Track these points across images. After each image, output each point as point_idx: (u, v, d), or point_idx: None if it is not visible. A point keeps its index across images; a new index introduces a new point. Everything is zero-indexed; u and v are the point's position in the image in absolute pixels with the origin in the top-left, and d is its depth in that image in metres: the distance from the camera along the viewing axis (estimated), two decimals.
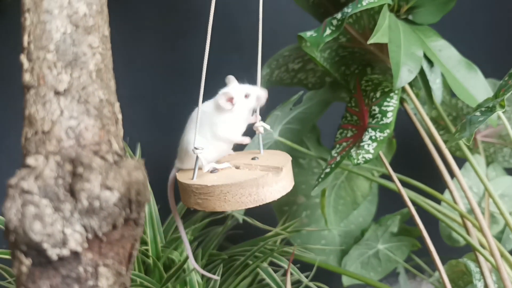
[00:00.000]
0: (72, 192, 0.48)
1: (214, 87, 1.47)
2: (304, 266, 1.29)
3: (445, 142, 1.28)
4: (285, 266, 1.24)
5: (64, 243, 0.47)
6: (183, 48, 1.48)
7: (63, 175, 0.48)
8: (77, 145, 0.49)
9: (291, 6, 1.27)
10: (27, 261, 0.46)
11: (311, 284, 1.24)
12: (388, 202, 1.44)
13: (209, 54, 1.48)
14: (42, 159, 0.49)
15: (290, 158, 0.92)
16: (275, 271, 1.24)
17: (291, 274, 1.27)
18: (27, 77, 0.51)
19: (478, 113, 0.98)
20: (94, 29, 0.53)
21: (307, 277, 1.25)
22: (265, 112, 1.31)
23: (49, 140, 0.49)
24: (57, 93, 0.50)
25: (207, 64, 1.50)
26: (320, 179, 1.13)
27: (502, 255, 1.15)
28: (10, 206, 0.47)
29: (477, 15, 1.54)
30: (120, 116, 0.53)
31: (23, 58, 0.51)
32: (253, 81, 1.37)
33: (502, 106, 0.94)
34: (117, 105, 0.54)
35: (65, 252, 0.47)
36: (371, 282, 1.28)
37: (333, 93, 1.27)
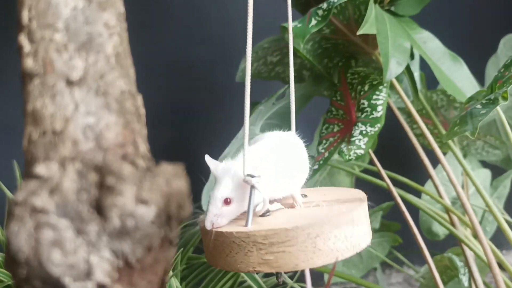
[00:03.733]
0: (99, 209, 0.35)
1: (184, 84, 1.36)
2: None
3: (432, 133, 1.21)
4: None
5: (89, 274, 0.34)
6: (149, 41, 1.35)
7: (88, 188, 0.35)
8: (97, 148, 0.37)
9: None
10: None
11: (295, 285, 1.14)
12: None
13: (176, 47, 1.37)
14: (56, 166, 0.36)
15: (358, 191, 0.68)
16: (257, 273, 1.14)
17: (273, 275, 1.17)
18: (29, 62, 0.38)
19: (479, 106, 0.91)
20: (109, 5, 0.40)
21: (290, 277, 1.16)
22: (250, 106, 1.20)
23: (63, 142, 0.36)
24: (69, 82, 0.38)
25: (176, 61, 1.39)
26: (308, 177, 1.03)
27: (491, 249, 1.08)
28: (18, 230, 0.34)
29: (446, 6, 1.48)
30: (143, 111, 0.41)
31: (22, 39, 0.38)
32: (224, 75, 1.27)
33: (505, 98, 0.87)
34: (139, 98, 0.42)
35: (90, 286, 0.34)
36: (353, 279, 1.20)
37: (315, 87, 1.17)
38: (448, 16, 1.50)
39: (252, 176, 0.57)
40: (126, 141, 0.38)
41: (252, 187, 0.57)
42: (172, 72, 1.37)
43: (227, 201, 0.56)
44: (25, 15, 0.39)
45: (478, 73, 1.38)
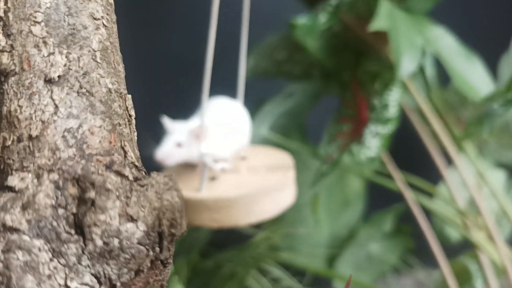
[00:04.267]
0: (79, 228, 0.30)
1: (189, 81, 1.31)
2: (292, 270, 1.15)
3: (445, 133, 1.16)
4: (275, 272, 1.10)
5: None
6: (152, 38, 1.30)
7: (65, 203, 0.30)
8: (79, 156, 0.32)
9: None
10: None
11: None
12: (375, 197, 1.31)
13: (179, 44, 1.32)
14: (30, 178, 0.31)
15: (286, 153, 0.82)
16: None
17: (282, 280, 1.12)
18: (4, 59, 0.33)
19: (496, 106, 0.85)
20: None
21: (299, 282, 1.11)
22: (254, 106, 1.16)
23: (40, 149, 0.32)
24: (48, 81, 0.33)
25: (178, 56, 1.34)
26: (316, 179, 0.98)
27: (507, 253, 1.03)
28: None
29: (459, 1, 1.42)
30: (133, 113, 0.36)
31: None
32: (228, 72, 1.21)
33: None
34: (129, 98, 0.37)
35: None
36: (362, 284, 1.15)
37: (324, 86, 1.12)
38: (462, 11, 1.44)
39: (206, 154, 0.67)
40: (112, 147, 0.33)
41: (205, 164, 0.67)
42: (174, 69, 1.33)
43: (179, 145, 0.66)
44: (1, 6, 0.34)
45: (494, 70, 1.32)
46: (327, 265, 1.24)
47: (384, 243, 1.23)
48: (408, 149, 1.26)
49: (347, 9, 1.01)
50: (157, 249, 0.32)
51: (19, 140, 0.32)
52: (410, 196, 1.04)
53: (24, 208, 0.30)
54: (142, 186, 0.32)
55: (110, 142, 0.33)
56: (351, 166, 1.14)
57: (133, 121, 0.36)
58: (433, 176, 1.15)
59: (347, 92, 1.04)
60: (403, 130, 1.12)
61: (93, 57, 0.34)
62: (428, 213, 1.11)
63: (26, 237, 0.29)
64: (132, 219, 0.31)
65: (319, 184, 1.15)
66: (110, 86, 0.35)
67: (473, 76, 1.04)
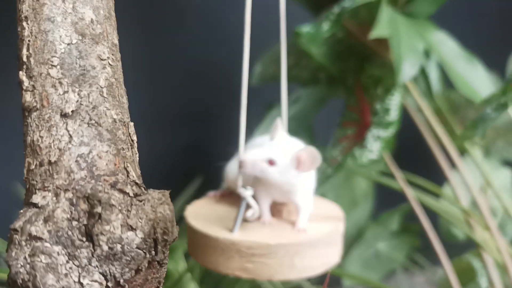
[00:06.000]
0: (89, 236, 0.39)
1: (203, 86, 1.38)
2: None
3: (449, 134, 1.21)
4: None
5: None
6: (165, 45, 1.38)
7: (78, 216, 0.39)
8: (90, 177, 0.40)
9: None
10: None
11: None
12: (383, 197, 1.38)
13: (194, 50, 1.39)
14: (50, 196, 0.40)
15: (337, 208, 0.71)
16: None
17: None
18: (28, 97, 0.42)
19: (489, 110, 0.92)
20: (102, 38, 0.44)
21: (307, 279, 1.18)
22: (262, 111, 1.23)
23: (57, 172, 0.40)
24: (63, 115, 0.41)
25: (194, 62, 1.41)
26: (322, 182, 1.06)
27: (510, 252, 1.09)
28: (16, 256, 0.38)
29: (468, 5, 1.48)
30: (135, 138, 0.45)
31: (22, 75, 0.42)
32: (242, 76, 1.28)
33: None
34: (131, 126, 0.45)
35: None
36: (372, 283, 1.22)
37: (329, 90, 1.19)
38: (468, 13, 1.49)
39: (245, 189, 0.60)
40: (117, 169, 0.42)
41: (244, 198, 0.59)
42: (189, 73, 1.40)
43: (271, 162, 0.59)
44: (24, 53, 0.43)
45: (502, 71, 1.37)
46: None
47: (392, 242, 1.30)
48: (413, 150, 1.32)
49: (349, 16, 1.08)
50: (153, 252, 0.41)
51: (41, 164, 0.41)
52: (413, 196, 1.11)
53: (45, 221, 0.39)
54: (140, 201, 0.41)
55: (115, 164, 0.42)
56: (356, 168, 1.21)
57: (135, 145, 0.45)
58: (439, 176, 1.21)
59: (351, 97, 1.11)
60: (408, 131, 1.19)
61: (101, 93, 0.43)
62: (433, 213, 1.18)
63: (47, 244, 0.38)
64: (132, 228, 0.39)
65: (326, 186, 1.22)
66: (115, 116, 0.43)
67: (474, 79, 1.10)
